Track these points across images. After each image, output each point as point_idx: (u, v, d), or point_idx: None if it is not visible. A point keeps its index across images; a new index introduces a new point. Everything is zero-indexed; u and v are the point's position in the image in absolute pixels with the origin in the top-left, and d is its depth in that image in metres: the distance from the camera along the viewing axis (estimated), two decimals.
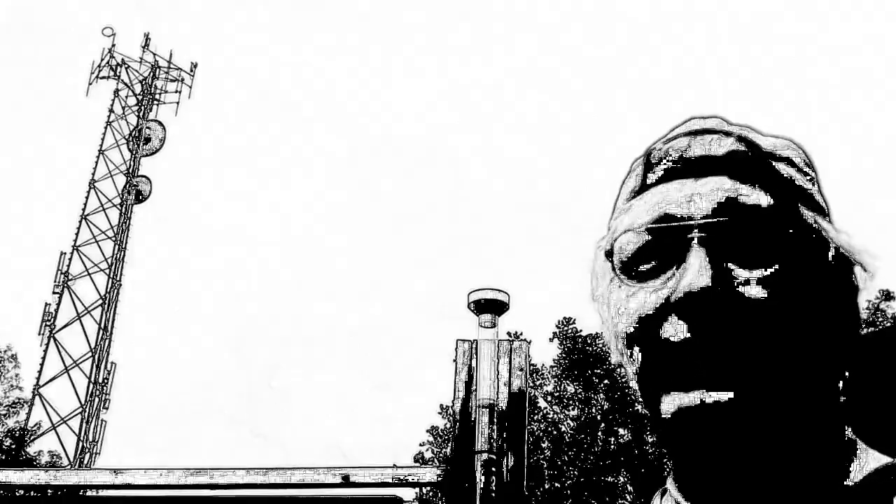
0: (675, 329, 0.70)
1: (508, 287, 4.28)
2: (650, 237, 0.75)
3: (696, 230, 0.72)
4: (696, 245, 0.71)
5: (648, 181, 0.80)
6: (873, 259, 0.77)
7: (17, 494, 4.35)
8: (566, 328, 22.03)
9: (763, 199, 0.72)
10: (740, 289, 0.69)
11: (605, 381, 21.06)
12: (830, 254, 0.75)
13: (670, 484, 0.80)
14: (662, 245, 0.74)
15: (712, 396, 0.68)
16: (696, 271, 0.69)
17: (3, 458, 19.02)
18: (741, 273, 0.70)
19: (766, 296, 0.69)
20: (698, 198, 0.74)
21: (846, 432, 0.75)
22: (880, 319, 18.66)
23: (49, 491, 4.45)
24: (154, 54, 22.59)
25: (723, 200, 0.72)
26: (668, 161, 0.79)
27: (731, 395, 0.67)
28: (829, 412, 0.73)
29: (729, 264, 0.70)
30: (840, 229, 0.79)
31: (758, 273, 0.70)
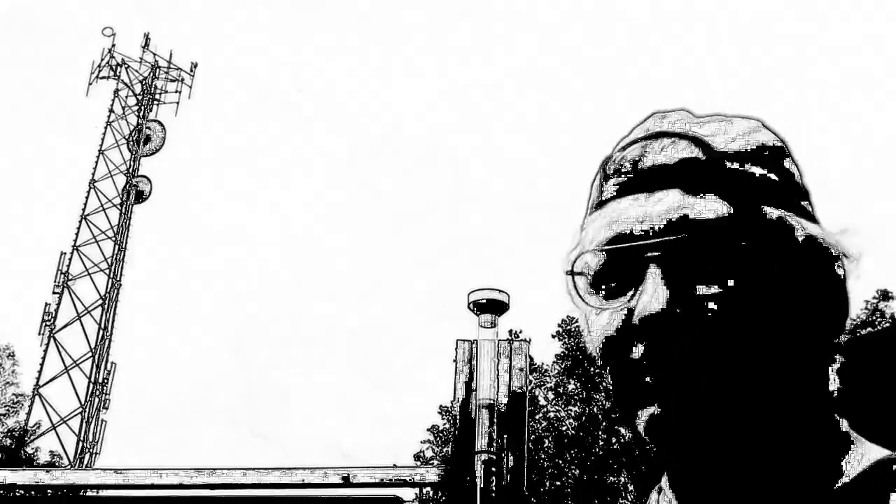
0: (635, 350, 0.71)
1: (508, 287, 4.28)
2: (608, 256, 0.74)
3: (650, 249, 0.71)
4: (651, 266, 0.71)
5: (604, 195, 0.78)
6: (854, 240, 0.75)
7: (17, 494, 4.35)
8: (569, 327, 22.03)
9: (718, 209, 0.71)
10: (699, 306, 0.69)
11: (607, 380, 21.03)
12: (801, 249, 0.74)
13: (665, 483, 0.80)
14: (621, 264, 0.74)
15: (673, 411, 0.68)
16: (650, 294, 0.70)
17: (3, 457, 19.03)
18: (699, 289, 0.70)
19: (725, 310, 0.69)
20: (650, 215, 0.72)
21: (842, 426, 0.74)
22: (878, 319, 18.62)
23: (49, 491, 4.45)
24: (154, 54, 22.61)
25: (675, 217, 0.71)
26: (621, 173, 0.77)
27: (691, 409, 0.68)
28: (819, 405, 0.73)
29: (686, 281, 0.70)
30: (816, 217, 0.77)
31: (715, 288, 0.69)
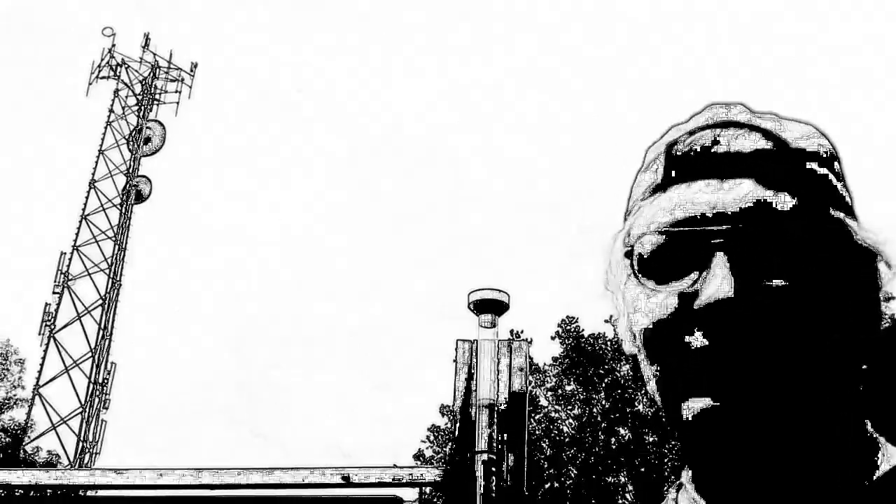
0: (695, 336, 0.69)
1: (508, 287, 4.28)
2: (671, 239, 0.73)
3: (720, 236, 0.70)
4: (720, 253, 0.70)
5: (671, 177, 0.77)
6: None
7: (16, 494, 4.35)
8: (568, 327, 22.02)
9: (789, 203, 0.71)
10: (764, 298, 0.68)
11: (606, 381, 21.04)
12: (856, 253, 0.73)
13: (686, 479, 0.79)
14: (684, 248, 0.72)
15: (730, 404, 0.67)
16: (719, 280, 0.68)
17: (2, 457, 19.02)
18: (765, 281, 0.69)
19: (790, 304, 0.68)
20: (723, 202, 0.72)
21: (867, 428, 0.74)
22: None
23: (49, 491, 4.45)
24: (154, 54, 22.59)
25: (748, 206, 0.71)
26: (692, 157, 0.77)
27: (748, 404, 0.67)
28: (850, 408, 0.72)
29: (753, 272, 0.69)
30: (864, 224, 0.77)
31: (782, 281, 0.69)
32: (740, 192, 0.72)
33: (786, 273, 0.69)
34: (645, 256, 0.75)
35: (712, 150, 0.76)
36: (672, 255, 0.73)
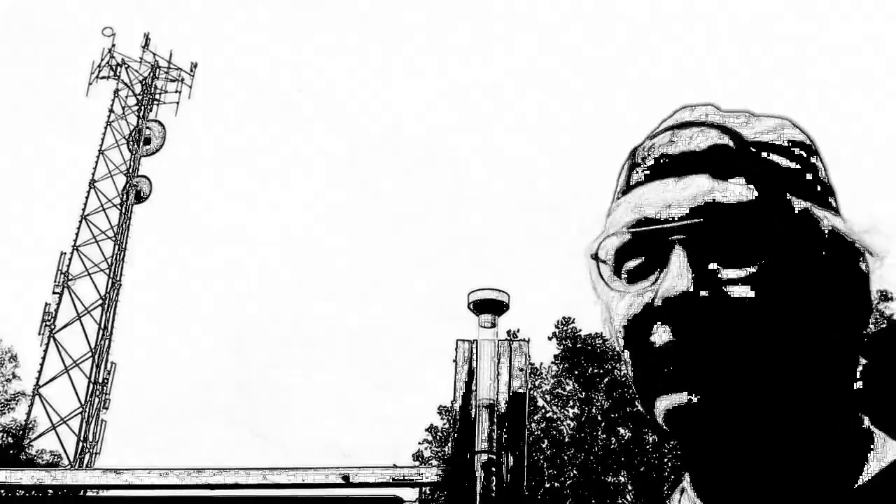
0: (658, 333, 0.70)
1: (508, 287, 4.28)
2: (633, 239, 0.74)
3: (676, 232, 0.71)
4: (676, 247, 0.71)
5: (633, 181, 0.79)
6: (882, 240, 0.75)
7: (17, 494, 4.35)
8: (566, 328, 22.02)
9: (745, 194, 0.71)
10: (723, 289, 0.69)
11: (606, 380, 21.05)
12: (826, 241, 0.73)
13: (687, 483, 0.79)
14: (646, 247, 0.74)
15: (698, 398, 0.67)
16: (675, 275, 0.69)
17: (4, 457, 19.02)
18: (724, 273, 0.69)
19: (750, 294, 0.68)
20: (679, 199, 0.73)
21: (864, 423, 0.74)
22: (877, 320, 18.64)
23: (49, 491, 4.46)
24: (154, 54, 22.59)
25: (702, 201, 0.72)
26: (650, 159, 0.78)
27: (717, 396, 0.67)
28: (842, 402, 0.72)
29: (711, 265, 0.70)
30: (842, 213, 0.77)
31: (741, 272, 0.69)
32: (696, 188, 0.73)
33: (745, 262, 0.70)
34: (611, 259, 0.76)
35: (668, 151, 0.77)
36: (636, 255, 0.75)
